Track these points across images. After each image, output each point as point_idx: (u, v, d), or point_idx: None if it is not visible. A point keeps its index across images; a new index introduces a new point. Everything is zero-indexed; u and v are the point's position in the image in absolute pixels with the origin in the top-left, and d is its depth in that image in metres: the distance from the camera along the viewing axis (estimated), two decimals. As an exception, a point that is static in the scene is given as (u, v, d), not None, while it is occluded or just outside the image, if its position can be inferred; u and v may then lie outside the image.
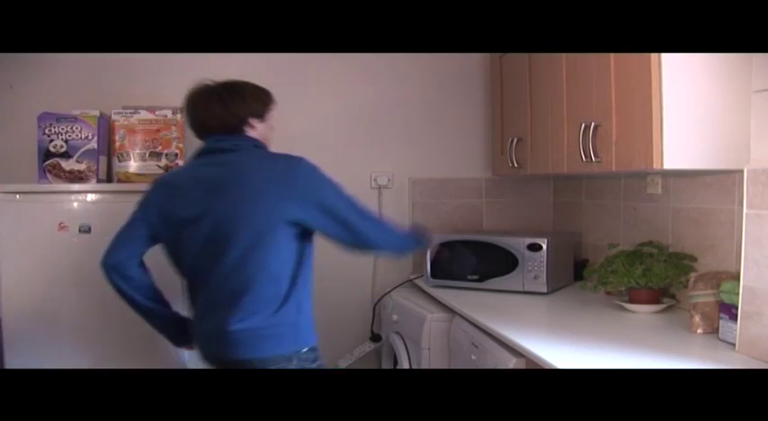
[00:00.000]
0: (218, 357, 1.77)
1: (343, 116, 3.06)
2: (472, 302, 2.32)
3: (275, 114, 1.90)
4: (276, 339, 1.70)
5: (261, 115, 1.82)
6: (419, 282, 2.80)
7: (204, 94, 1.79)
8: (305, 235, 1.74)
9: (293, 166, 1.72)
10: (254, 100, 1.81)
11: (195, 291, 1.80)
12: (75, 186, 2.51)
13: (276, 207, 1.66)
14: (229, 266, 1.68)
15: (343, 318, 3.01)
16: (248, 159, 1.76)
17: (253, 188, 1.68)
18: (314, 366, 1.74)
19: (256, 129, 1.82)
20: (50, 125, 2.52)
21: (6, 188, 2.47)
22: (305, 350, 1.72)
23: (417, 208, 3.05)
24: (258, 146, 1.81)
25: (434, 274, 2.67)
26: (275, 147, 3.01)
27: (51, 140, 2.52)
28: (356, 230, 1.73)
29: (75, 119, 2.54)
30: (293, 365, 1.69)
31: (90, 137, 2.54)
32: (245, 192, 1.68)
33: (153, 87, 2.89)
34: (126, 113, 2.62)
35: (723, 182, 1.94)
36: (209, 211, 1.69)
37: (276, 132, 2.99)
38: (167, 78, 2.93)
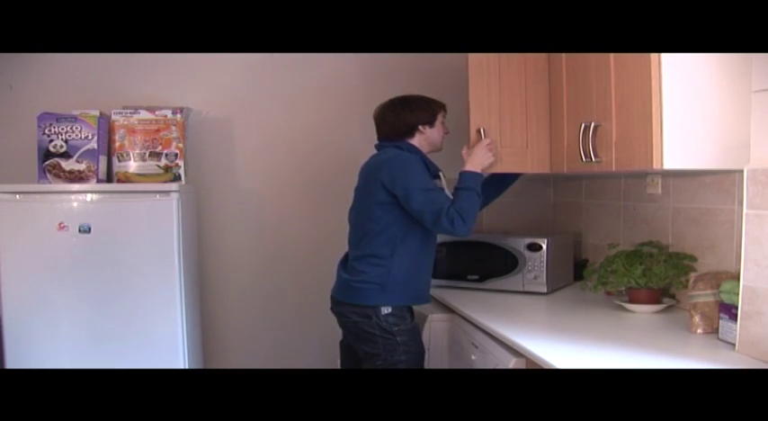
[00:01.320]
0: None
1: (343, 115, 3.06)
2: (472, 302, 2.32)
3: (444, 119, 2.27)
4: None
5: (430, 122, 2.20)
6: (419, 282, 2.79)
7: (383, 106, 2.24)
8: (399, 210, 2.08)
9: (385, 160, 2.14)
10: (422, 110, 2.19)
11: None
12: (75, 186, 2.51)
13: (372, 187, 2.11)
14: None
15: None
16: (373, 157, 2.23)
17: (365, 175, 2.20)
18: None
19: (424, 134, 2.20)
20: (50, 125, 2.52)
21: (6, 188, 2.47)
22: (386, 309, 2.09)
23: (417, 208, 3.04)
24: (400, 147, 2.18)
25: (434, 274, 2.65)
26: (275, 144, 3.04)
27: (51, 140, 2.52)
28: (414, 210, 2.05)
29: (75, 119, 2.54)
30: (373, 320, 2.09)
31: (90, 137, 2.54)
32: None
33: (153, 87, 2.90)
34: (126, 113, 2.62)
35: (723, 182, 1.94)
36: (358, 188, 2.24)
37: (276, 132, 3.02)
38: (167, 78, 2.94)
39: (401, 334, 2.10)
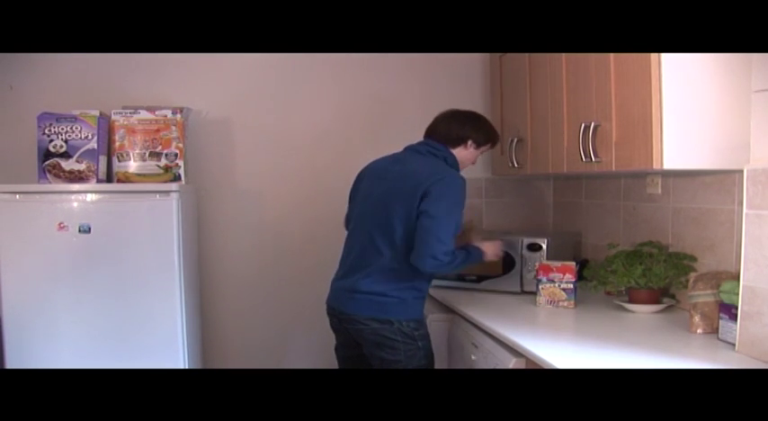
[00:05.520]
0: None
1: (343, 116, 3.06)
2: (472, 302, 2.32)
3: (484, 151, 2.29)
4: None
5: (477, 144, 2.21)
6: (419, 282, 2.79)
7: (453, 111, 2.25)
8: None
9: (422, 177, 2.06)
10: (482, 132, 2.22)
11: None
12: (75, 186, 2.51)
13: (397, 200, 2.05)
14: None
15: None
16: (415, 162, 2.15)
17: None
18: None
19: (467, 150, 2.21)
20: (50, 125, 2.52)
21: (6, 188, 2.47)
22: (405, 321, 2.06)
23: (417, 208, 3.04)
24: (445, 159, 2.17)
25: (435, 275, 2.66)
26: (275, 144, 3.03)
27: (51, 140, 2.52)
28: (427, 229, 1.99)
29: (74, 119, 2.54)
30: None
31: (90, 137, 2.54)
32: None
33: (153, 87, 2.90)
34: (126, 113, 2.62)
35: (723, 182, 1.94)
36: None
37: (276, 132, 3.02)
38: (167, 78, 2.94)
39: (422, 338, 2.09)
